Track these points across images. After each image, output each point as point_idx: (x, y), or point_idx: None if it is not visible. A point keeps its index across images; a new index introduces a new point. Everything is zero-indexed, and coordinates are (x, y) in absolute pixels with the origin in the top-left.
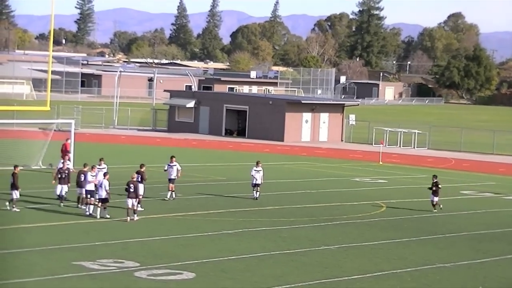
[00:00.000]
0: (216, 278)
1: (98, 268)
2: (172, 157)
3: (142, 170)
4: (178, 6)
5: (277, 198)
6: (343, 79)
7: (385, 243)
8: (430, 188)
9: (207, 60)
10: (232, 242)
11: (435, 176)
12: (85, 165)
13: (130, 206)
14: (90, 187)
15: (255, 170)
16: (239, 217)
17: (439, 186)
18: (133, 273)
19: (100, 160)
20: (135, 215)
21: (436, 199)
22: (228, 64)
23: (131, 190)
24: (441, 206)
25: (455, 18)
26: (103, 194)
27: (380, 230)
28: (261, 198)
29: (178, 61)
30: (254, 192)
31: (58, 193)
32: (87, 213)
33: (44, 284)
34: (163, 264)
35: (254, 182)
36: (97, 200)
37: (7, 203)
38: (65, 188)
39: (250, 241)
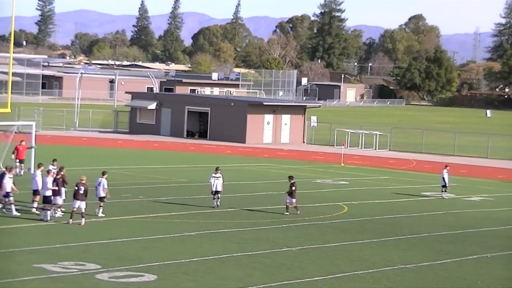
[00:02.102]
0: (178, 280)
1: (60, 270)
2: (53, 160)
3: (62, 173)
4: (140, 8)
5: (239, 200)
6: (304, 81)
7: (347, 244)
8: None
9: (169, 62)
10: (194, 244)
11: (291, 177)
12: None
13: (76, 208)
14: (48, 193)
15: (213, 176)
16: (201, 219)
17: (294, 188)
18: (95, 276)
19: (54, 160)
20: (83, 219)
21: (294, 201)
22: (189, 66)
23: (81, 192)
24: (299, 212)
25: (416, 20)
26: (101, 193)
27: (342, 232)
28: (223, 199)
29: (140, 63)
30: (214, 200)
31: None
32: (46, 219)
33: (5, 287)
34: (125, 266)
35: (213, 189)
36: (54, 206)
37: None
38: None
39: (212, 243)
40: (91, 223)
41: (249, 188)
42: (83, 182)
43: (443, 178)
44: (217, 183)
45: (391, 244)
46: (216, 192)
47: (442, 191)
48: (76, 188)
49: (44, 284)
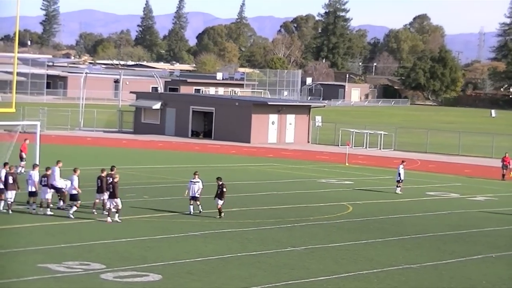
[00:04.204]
0: (183, 280)
1: (64, 270)
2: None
3: (113, 172)
4: (144, 8)
5: (243, 199)
6: (309, 80)
7: (351, 244)
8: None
9: (173, 62)
10: (198, 244)
11: (219, 179)
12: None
13: (110, 206)
14: (75, 191)
15: (191, 181)
16: (206, 218)
17: (224, 189)
18: (99, 275)
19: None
20: (116, 215)
21: (220, 202)
22: (194, 65)
23: (110, 190)
24: (222, 214)
25: (420, 20)
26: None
27: (346, 232)
28: (227, 199)
29: (144, 63)
30: (190, 206)
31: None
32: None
33: (10, 287)
34: (129, 266)
35: (190, 195)
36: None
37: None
38: (12, 193)
39: (217, 242)
40: (95, 223)
41: (253, 188)
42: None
43: (399, 173)
44: (194, 188)
45: (396, 244)
46: (194, 197)
47: (397, 186)
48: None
49: (49, 284)
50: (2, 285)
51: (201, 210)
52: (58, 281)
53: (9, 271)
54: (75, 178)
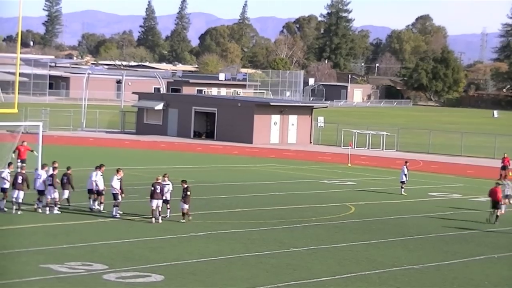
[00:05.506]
0: (185, 280)
1: (66, 271)
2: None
3: (68, 172)
4: (147, 8)
5: (246, 200)
6: (311, 81)
7: (354, 245)
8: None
9: (176, 62)
10: (201, 244)
11: (184, 181)
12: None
13: (154, 207)
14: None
15: (162, 184)
16: (208, 219)
17: (188, 193)
18: (102, 276)
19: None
20: (160, 217)
21: (186, 206)
22: (196, 66)
23: (158, 191)
24: (190, 217)
25: (423, 21)
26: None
27: (349, 232)
28: (230, 200)
29: (147, 63)
30: (167, 210)
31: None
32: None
33: (12, 287)
34: (132, 266)
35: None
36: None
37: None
38: (21, 193)
39: (219, 243)
40: (98, 223)
41: (256, 189)
42: (159, 181)
43: (404, 174)
44: (164, 191)
45: (398, 245)
46: (165, 201)
47: (401, 187)
48: (152, 187)
49: (51, 284)
50: (4, 286)
51: (168, 216)
52: (61, 282)
53: (11, 271)
54: (116, 178)
